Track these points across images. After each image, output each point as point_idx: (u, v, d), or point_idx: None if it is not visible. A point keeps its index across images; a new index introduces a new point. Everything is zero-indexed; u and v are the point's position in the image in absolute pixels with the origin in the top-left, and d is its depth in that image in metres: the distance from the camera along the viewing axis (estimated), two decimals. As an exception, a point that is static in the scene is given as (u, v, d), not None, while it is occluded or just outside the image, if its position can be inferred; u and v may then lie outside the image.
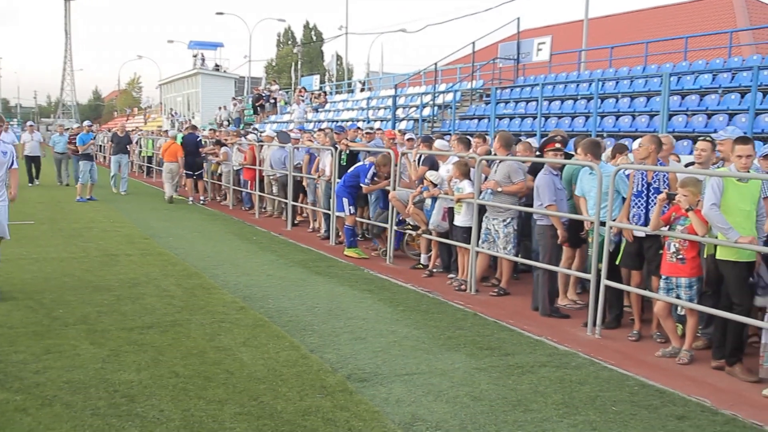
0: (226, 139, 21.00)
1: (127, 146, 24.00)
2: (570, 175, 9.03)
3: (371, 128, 15.29)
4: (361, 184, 12.17)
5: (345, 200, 12.28)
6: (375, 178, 12.12)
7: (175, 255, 11.71)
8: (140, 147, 33.01)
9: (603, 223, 7.76)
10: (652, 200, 7.48)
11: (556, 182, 8.74)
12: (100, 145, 36.72)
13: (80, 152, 21.56)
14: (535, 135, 16.46)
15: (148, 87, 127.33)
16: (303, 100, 34.16)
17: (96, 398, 5.42)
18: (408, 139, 12.85)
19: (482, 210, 9.70)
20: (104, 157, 35.96)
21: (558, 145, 9.04)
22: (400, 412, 5.36)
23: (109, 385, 5.70)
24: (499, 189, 9.38)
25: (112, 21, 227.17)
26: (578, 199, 8.56)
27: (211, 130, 25.28)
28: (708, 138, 8.03)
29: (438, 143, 11.59)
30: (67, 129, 28.89)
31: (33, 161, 25.74)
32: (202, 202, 20.62)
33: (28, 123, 27.36)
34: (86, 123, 25.22)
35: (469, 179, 9.88)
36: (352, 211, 12.36)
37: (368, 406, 5.44)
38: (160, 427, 4.93)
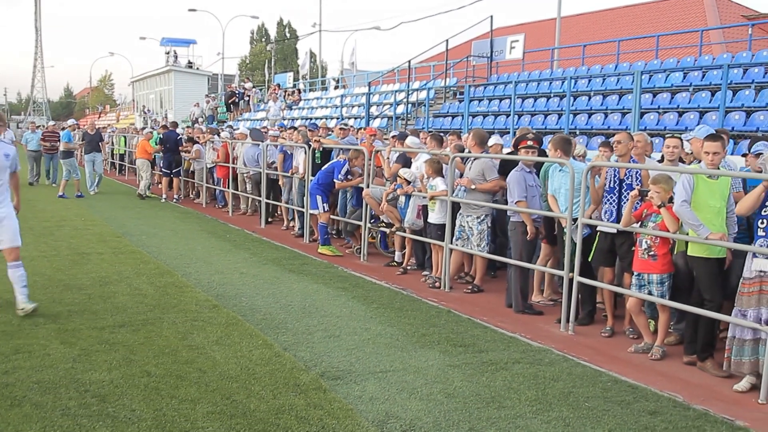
0: (198, 137, 20.84)
1: (99, 144, 23.27)
2: (545, 173, 9.06)
3: (345, 125, 15.21)
4: (335, 180, 12.14)
5: (319, 198, 12.23)
6: (349, 175, 12.10)
7: (147, 253, 11.61)
8: (112, 145, 32.68)
9: (576, 220, 7.80)
10: (625, 197, 7.54)
11: (527, 179, 8.77)
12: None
13: (65, 149, 21.54)
14: (508, 132, 16.53)
15: (121, 84, 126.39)
16: (278, 98, 33.97)
17: (66, 398, 5.35)
18: (393, 136, 12.74)
19: (456, 207, 9.71)
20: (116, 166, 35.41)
21: (530, 143, 9.05)
22: (373, 409, 5.35)
23: (79, 385, 5.63)
24: (473, 186, 9.40)
25: (83, 17, 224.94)
26: (550, 197, 8.58)
27: (186, 127, 25.09)
28: (678, 135, 8.10)
29: (409, 140, 11.58)
30: (39, 126, 28.34)
31: None
32: (175, 200, 20.46)
33: None
34: (71, 122, 25.01)
35: (442, 176, 9.88)
36: (326, 208, 12.31)
37: (342, 404, 5.42)
38: (132, 427, 4.88)
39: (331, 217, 12.74)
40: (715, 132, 7.27)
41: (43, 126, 29.99)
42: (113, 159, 32.97)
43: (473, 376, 6.19)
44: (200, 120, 36.22)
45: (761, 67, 15.02)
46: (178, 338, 7.00)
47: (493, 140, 10.90)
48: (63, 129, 23.75)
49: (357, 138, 14.04)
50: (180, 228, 15.06)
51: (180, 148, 20.52)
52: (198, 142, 20.27)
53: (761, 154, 7.19)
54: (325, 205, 12.29)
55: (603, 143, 9.19)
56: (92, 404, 5.26)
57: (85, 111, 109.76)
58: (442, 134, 11.07)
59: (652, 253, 6.94)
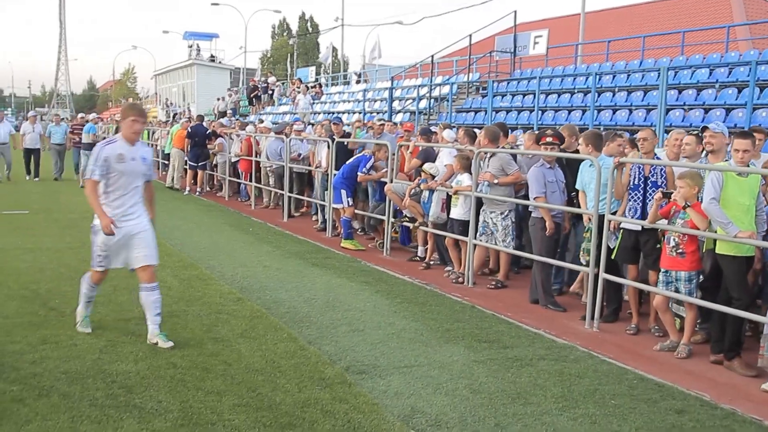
0: (220, 131, 20.92)
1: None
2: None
3: (382, 120, 14.96)
4: (358, 173, 12.14)
5: (343, 192, 12.24)
6: (372, 170, 12.11)
7: (171, 246, 11.65)
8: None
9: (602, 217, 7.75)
10: (650, 194, 7.48)
11: (547, 175, 8.74)
12: (104, 137, 35.84)
13: (89, 141, 20.96)
14: (532, 128, 16.45)
15: (143, 77, 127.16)
16: (307, 92, 33.77)
17: (93, 389, 5.39)
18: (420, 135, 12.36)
19: (479, 203, 9.68)
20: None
21: (549, 139, 9.02)
22: (399, 404, 5.34)
23: (106, 376, 5.67)
24: (495, 181, 9.37)
25: (107, 10, 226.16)
26: (580, 193, 8.54)
27: (210, 121, 25.10)
28: (693, 131, 8.04)
29: (446, 133, 11.54)
30: (63, 119, 27.93)
31: (32, 154, 23.32)
32: (198, 193, 20.53)
33: (30, 113, 25.45)
34: (93, 115, 24.95)
35: (470, 173, 9.84)
36: (350, 202, 12.33)
37: (367, 398, 5.42)
38: (159, 419, 4.90)
39: (357, 212, 12.72)
40: (745, 129, 7.17)
41: (67, 119, 29.91)
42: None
43: (498, 372, 6.17)
44: (229, 113, 36.18)
45: (789, 63, 14.87)
46: (203, 330, 7.03)
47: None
48: (86, 122, 23.66)
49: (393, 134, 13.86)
50: (203, 221, 15.13)
51: (208, 142, 20.54)
52: (221, 136, 20.36)
53: None
54: (349, 199, 12.29)
55: (623, 139, 8.98)
56: (119, 395, 5.30)
57: (107, 104, 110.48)
58: (475, 130, 11.00)
59: (680, 250, 6.87)
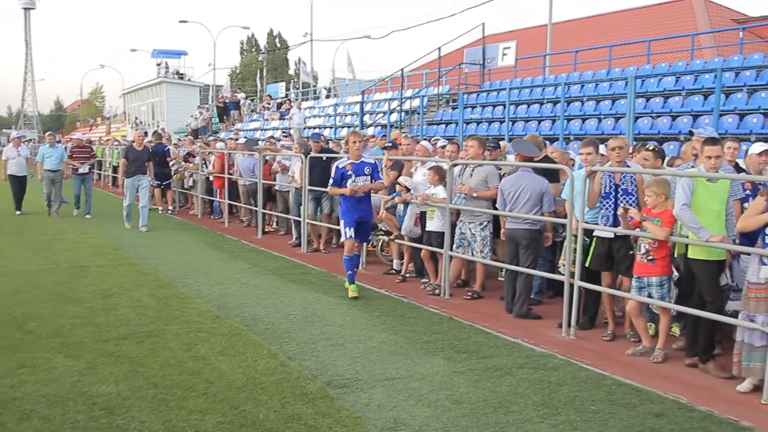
0: (193, 150, 20.88)
1: (146, 165, 16.88)
2: None
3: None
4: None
5: (342, 221, 9.96)
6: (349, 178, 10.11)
7: (146, 265, 11.60)
8: (106, 156, 32.41)
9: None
10: (621, 201, 7.59)
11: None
12: (100, 161, 31.86)
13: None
14: (503, 138, 16.57)
15: (112, 96, 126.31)
16: (301, 106, 33.35)
17: (74, 411, 5.36)
18: (441, 147, 11.69)
19: (456, 215, 9.75)
20: (109, 179, 31.88)
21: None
22: (382, 417, 5.37)
23: (87, 398, 5.64)
24: (474, 194, 9.43)
25: (73, 30, 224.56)
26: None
27: (178, 139, 24.92)
28: (652, 146, 8.30)
29: (424, 143, 11.54)
30: (59, 141, 22.22)
31: (20, 182, 19.39)
32: (170, 211, 20.43)
33: (13, 134, 21.34)
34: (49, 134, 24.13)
35: (444, 185, 9.88)
36: (348, 234, 9.81)
37: (350, 412, 5.44)
38: (142, 439, 4.89)
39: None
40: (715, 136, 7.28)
41: (34, 140, 29.10)
42: (101, 170, 32.69)
43: (479, 381, 6.22)
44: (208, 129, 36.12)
45: (753, 70, 15.15)
46: (182, 349, 7.01)
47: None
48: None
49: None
50: (177, 239, 15.05)
51: (168, 159, 20.45)
52: (194, 155, 20.33)
53: None
54: (347, 229, 9.80)
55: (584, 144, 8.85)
56: (101, 417, 5.28)
57: (75, 124, 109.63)
58: (456, 142, 11.02)
59: (650, 257, 6.99)
